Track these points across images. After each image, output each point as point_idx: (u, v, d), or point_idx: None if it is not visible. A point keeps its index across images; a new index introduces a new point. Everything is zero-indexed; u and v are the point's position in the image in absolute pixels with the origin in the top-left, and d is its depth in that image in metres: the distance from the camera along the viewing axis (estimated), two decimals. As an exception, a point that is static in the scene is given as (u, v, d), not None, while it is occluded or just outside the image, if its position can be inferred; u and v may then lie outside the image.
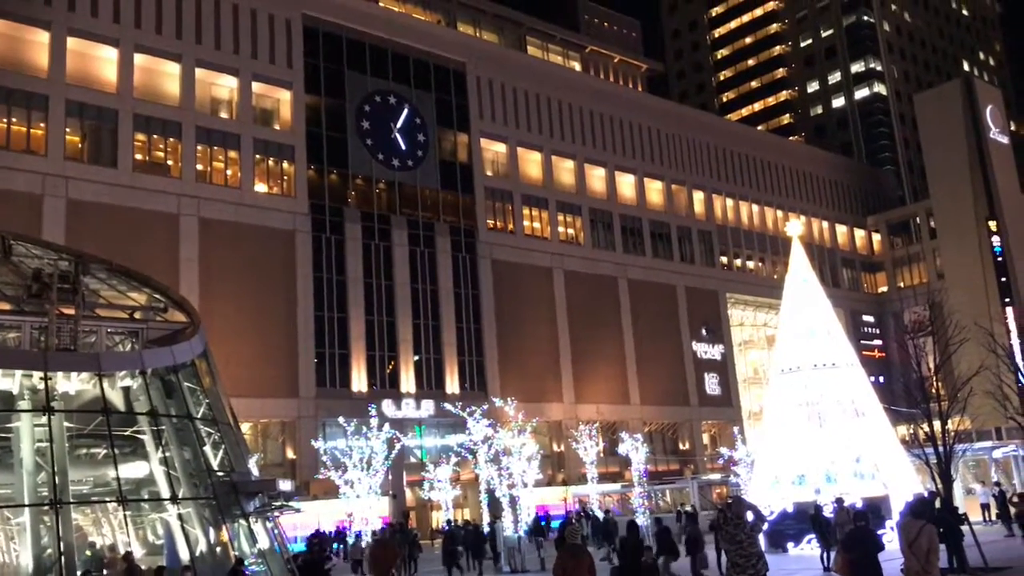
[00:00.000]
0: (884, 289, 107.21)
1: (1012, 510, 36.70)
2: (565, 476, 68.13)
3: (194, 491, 20.75)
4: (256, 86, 64.28)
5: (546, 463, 62.49)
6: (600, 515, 45.64)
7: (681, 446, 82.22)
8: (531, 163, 78.94)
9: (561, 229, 78.71)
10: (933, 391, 35.81)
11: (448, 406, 52.72)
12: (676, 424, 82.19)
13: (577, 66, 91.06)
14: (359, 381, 63.18)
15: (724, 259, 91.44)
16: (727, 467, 57.13)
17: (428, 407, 64.49)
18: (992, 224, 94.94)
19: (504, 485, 40.56)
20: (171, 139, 60.45)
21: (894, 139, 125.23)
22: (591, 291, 77.59)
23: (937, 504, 26.42)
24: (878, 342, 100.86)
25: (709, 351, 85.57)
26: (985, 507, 42.12)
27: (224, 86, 63.72)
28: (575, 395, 73.80)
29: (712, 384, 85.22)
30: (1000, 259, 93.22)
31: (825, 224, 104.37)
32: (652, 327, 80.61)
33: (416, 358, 66.29)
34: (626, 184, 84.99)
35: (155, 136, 59.95)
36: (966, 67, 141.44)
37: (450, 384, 67.28)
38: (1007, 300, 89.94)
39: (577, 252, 78.03)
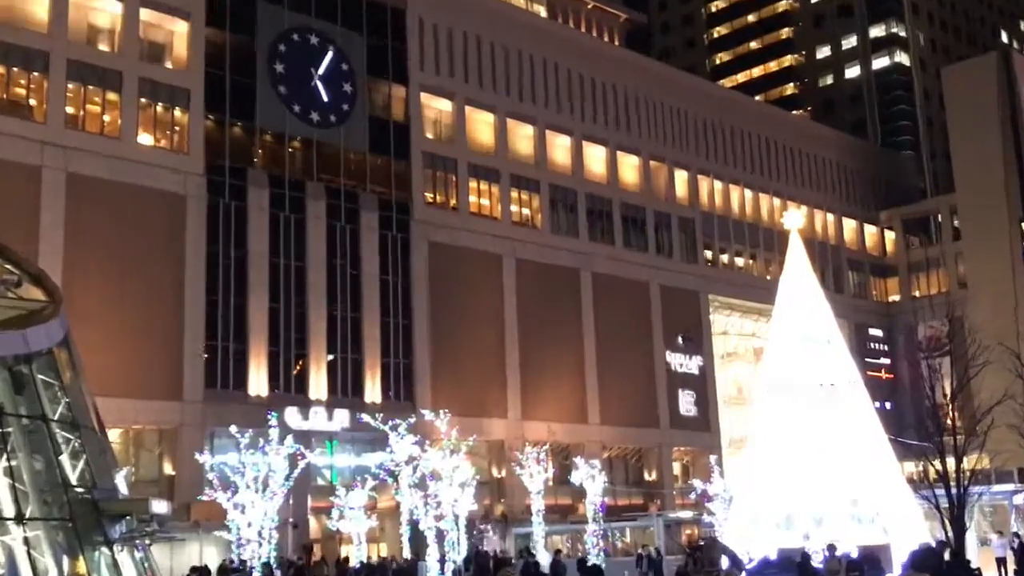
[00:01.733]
0: (896, 298, 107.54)
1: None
2: (507, 508, 67.68)
3: (45, 510, 20.28)
4: (145, 13, 63.20)
5: (483, 491, 61.74)
6: (542, 557, 45.38)
7: (647, 476, 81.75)
8: (481, 126, 78.37)
9: (515, 208, 78.15)
10: (948, 422, 36.49)
11: (366, 417, 52.05)
12: (642, 450, 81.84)
13: (543, 11, 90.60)
14: (258, 383, 62.45)
15: (708, 253, 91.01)
16: (700, 503, 56.63)
17: (342, 418, 63.62)
18: None
19: (430, 516, 41.51)
20: (35, 73, 59.26)
21: (916, 119, 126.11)
22: (547, 285, 76.83)
23: (946, 556, 27.21)
24: (886, 361, 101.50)
25: (686, 363, 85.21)
26: (1002, 561, 42.39)
27: (105, 11, 62.60)
28: (522, 410, 73.38)
29: (687, 403, 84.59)
30: None
31: (830, 217, 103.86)
32: (619, 332, 80.00)
33: (330, 357, 65.62)
34: (595, 158, 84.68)
35: (15, 69, 58.77)
36: (1004, 38, 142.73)
37: (370, 391, 66.59)
38: None
39: (533, 237, 77.40)
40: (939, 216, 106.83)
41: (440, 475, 41.25)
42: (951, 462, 35.28)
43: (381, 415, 50.43)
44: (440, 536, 37.70)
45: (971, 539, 40.00)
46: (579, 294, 79.46)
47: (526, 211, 78.73)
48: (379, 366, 67.12)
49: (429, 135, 74.92)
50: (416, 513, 39.67)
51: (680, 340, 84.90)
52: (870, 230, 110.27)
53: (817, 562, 29.06)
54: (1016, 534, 42.42)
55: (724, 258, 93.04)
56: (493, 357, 72.73)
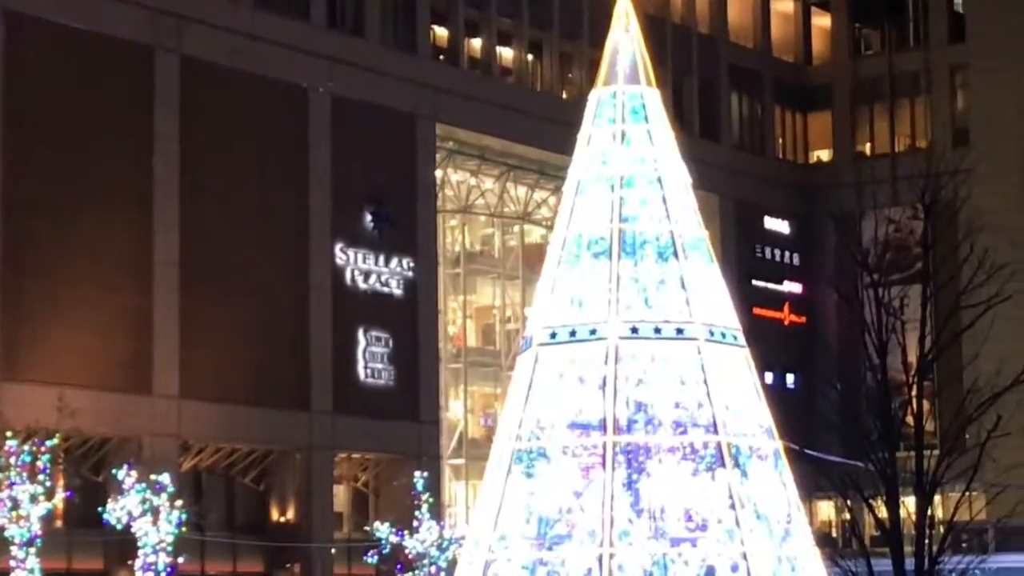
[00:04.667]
0: (824, 155, 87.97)
1: None
2: None
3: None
4: None
5: None
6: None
7: (276, 514, 63.12)
8: None
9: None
10: (909, 419, 30.28)
11: None
12: (270, 455, 62.61)
13: None
14: None
15: (440, 33, 71.64)
16: (390, 573, 47.24)
17: None
18: None
19: None
20: None
21: None
22: (72, 70, 57.11)
23: None
24: (794, 286, 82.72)
25: (378, 272, 65.54)
26: None
27: None
28: (2, 361, 53.78)
29: (376, 359, 66.08)
30: None
31: None
32: (233, 195, 61.34)
33: None
34: None
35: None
36: None
37: None
38: None
39: None
40: None
41: None
42: (909, 504, 29.13)
43: None
44: None
45: None
46: (149, 103, 59.17)
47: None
48: None
49: None
50: None
51: (368, 219, 65.87)
52: (781, 8, 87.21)
53: None
54: None
55: (474, 47, 73.15)
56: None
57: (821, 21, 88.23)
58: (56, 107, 56.13)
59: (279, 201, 62.83)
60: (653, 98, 27.38)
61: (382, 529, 46.70)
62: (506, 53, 75.68)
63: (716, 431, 25.25)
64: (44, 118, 55.63)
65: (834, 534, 44.59)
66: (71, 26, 56.61)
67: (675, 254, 26.02)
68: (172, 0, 60.56)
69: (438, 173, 70.62)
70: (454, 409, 72.55)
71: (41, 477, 40.09)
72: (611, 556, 24.43)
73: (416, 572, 43.73)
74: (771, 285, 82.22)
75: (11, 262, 54.45)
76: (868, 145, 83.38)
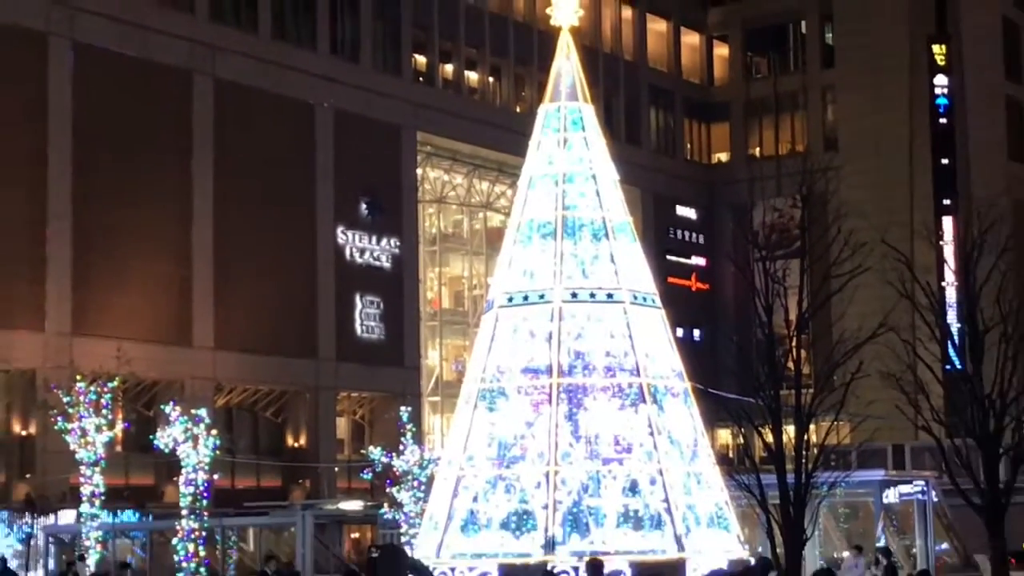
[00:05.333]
0: (724, 157, 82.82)
1: (907, 610, 29.53)
2: (36, 487, 49.38)
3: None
4: None
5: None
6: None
7: (291, 440, 61.72)
8: None
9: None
10: (790, 364, 28.09)
11: None
12: (286, 395, 60.55)
13: None
14: None
15: (421, 60, 68.70)
16: (381, 488, 45.07)
17: None
18: (939, 51, 70.93)
19: None
20: None
21: None
22: (127, 91, 54.48)
23: None
24: (699, 260, 78.96)
25: (370, 249, 63.82)
26: None
27: None
28: (72, 319, 51.93)
29: (369, 318, 64.39)
30: (944, 121, 71.09)
31: (626, 13, 78.30)
32: (257, 187, 58.04)
33: None
34: None
35: None
36: None
37: None
38: (945, 202, 69.10)
39: (103, 6, 54.69)
40: (803, 25, 79.23)
41: None
42: (790, 431, 27.54)
43: None
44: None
45: (812, 557, 31.84)
46: (188, 117, 57.39)
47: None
48: None
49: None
50: None
51: (363, 208, 64.83)
52: (689, 41, 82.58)
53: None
54: (883, 550, 32.15)
55: (447, 71, 70.09)
56: (20, 217, 51.82)
57: (721, 51, 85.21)
58: (115, 120, 54.05)
59: (292, 193, 61.15)
60: (588, 112, 27.22)
61: (375, 452, 45.01)
62: (473, 76, 73.64)
63: (638, 374, 25.12)
64: (106, 129, 53.80)
65: (731, 455, 42.70)
66: (127, 54, 55.38)
67: (606, 235, 25.79)
68: (207, 32, 58.37)
69: (419, 171, 68.79)
70: (432, 357, 70.46)
71: (104, 412, 39.20)
72: (556, 472, 24.29)
73: (402, 485, 42.33)
74: (681, 259, 79.43)
75: (80, 244, 52.83)
76: (758, 149, 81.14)
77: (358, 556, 38.37)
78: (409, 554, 27.57)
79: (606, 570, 23.23)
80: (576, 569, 24.55)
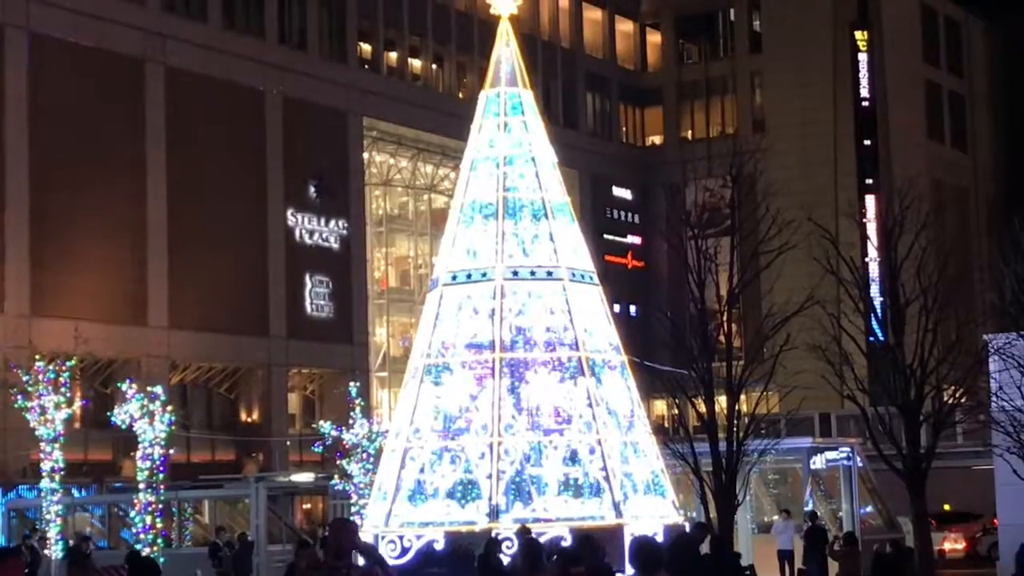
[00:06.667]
0: (657, 140, 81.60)
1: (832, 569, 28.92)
2: None
3: None
4: None
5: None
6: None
7: (244, 415, 61.03)
8: None
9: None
10: (721, 338, 28.24)
11: None
12: (239, 371, 59.82)
13: None
14: None
15: (366, 48, 67.67)
16: (332, 460, 44.46)
17: None
18: (861, 37, 70.82)
19: None
20: None
21: None
22: (82, 79, 53.57)
23: (704, 547, 22.07)
24: (635, 239, 77.73)
25: (319, 230, 62.67)
26: (787, 557, 32.23)
27: None
28: (31, 301, 51.11)
29: (319, 297, 63.99)
30: (866, 104, 71.21)
31: (563, 3, 77.14)
32: (208, 173, 57.68)
33: None
34: None
35: None
36: None
37: None
38: (868, 181, 68.10)
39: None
40: (732, 14, 77.83)
41: None
42: (722, 402, 27.45)
43: None
44: None
45: (743, 521, 32.04)
46: (142, 103, 56.30)
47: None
48: None
49: None
50: None
51: (312, 190, 61.43)
52: (623, 28, 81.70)
53: (509, 552, 22.84)
54: (811, 514, 32.18)
55: (391, 58, 68.98)
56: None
57: (654, 38, 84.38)
58: (70, 107, 52.73)
59: (244, 176, 59.51)
60: (528, 97, 26.73)
61: (325, 426, 44.51)
62: (416, 63, 72.35)
63: (577, 348, 24.79)
64: (60, 115, 52.49)
65: (666, 425, 42.15)
66: (81, 44, 53.97)
67: (545, 215, 25.38)
68: (158, 21, 56.75)
69: (365, 155, 67.49)
70: (379, 334, 69.06)
71: (63, 390, 38.82)
72: (499, 443, 24.01)
73: (352, 457, 41.66)
74: (618, 238, 77.91)
75: (36, 226, 51.40)
76: (690, 132, 79.71)
77: (310, 526, 37.43)
78: (357, 526, 27.03)
79: (547, 536, 23.11)
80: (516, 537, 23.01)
